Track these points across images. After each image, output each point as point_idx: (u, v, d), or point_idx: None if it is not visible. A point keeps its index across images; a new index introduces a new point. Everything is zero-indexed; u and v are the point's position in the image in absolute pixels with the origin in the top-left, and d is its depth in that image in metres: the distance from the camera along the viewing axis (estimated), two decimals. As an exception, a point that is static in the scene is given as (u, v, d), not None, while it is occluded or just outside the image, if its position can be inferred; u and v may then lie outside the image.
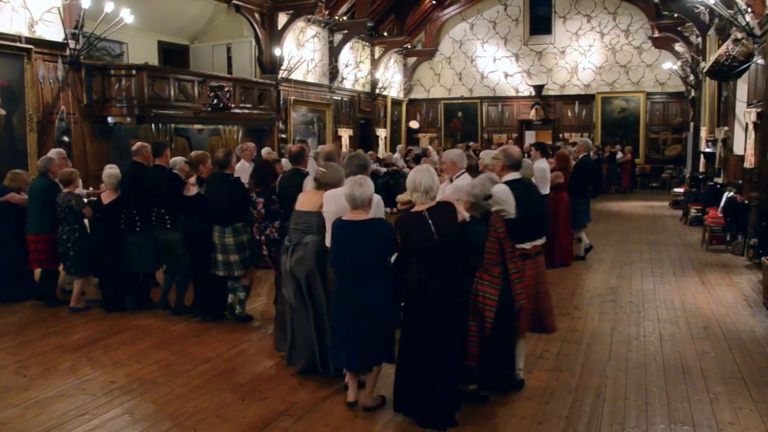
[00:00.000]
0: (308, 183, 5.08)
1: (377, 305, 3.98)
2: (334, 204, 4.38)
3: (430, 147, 16.99)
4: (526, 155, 13.81)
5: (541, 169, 8.13)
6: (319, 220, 4.58)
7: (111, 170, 6.89)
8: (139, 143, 7.20)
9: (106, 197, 6.68)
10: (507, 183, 4.44)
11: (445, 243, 3.83)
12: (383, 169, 14.48)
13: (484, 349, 4.07)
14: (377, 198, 4.20)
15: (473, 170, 5.69)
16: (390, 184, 14.29)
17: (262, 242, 6.05)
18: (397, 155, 15.71)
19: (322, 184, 4.67)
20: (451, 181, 5.15)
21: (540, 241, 4.69)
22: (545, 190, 8.06)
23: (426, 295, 3.84)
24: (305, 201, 4.77)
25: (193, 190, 6.34)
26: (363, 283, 3.97)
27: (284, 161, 10.32)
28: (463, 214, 4.20)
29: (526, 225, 4.38)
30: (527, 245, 4.52)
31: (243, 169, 8.67)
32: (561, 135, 20.54)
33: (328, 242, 4.38)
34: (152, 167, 6.72)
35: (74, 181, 6.73)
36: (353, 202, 3.98)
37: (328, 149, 5.89)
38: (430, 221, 3.82)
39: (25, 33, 8.78)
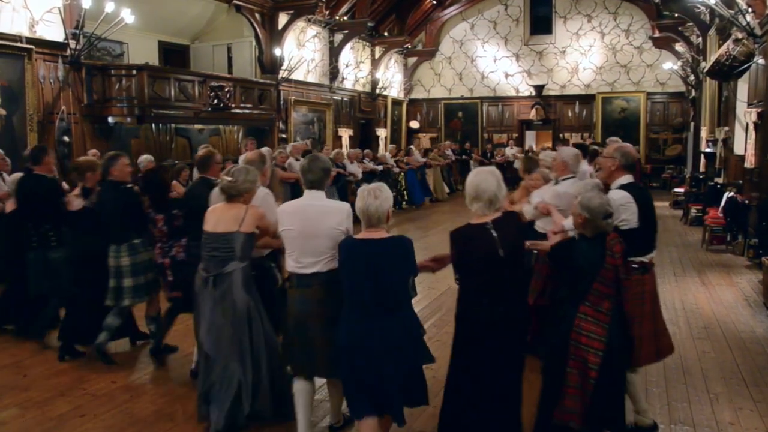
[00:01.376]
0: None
1: (406, 341, 3.32)
2: (290, 218, 3.61)
3: (412, 146, 16.99)
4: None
5: (584, 172, 7.50)
6: (244, 241, 3.84)
7: (15, 176, 6.20)
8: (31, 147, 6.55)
9: (10, 206, 5.94)
10: (624, 188, 3.80)
11: (511, 261, 3.21)
12: (380, 167, 14.52)
13: (589, 404, 3.28)
14: (347, 207, 3.60)
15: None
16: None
17: (165, 265, 5.05)
18: (388, 154, 15.69)
19: (233, 196, 3.91)
20: (557, 182, 4.64)
21: (654, 252, 3.96)
22: None
23: (488, 320, 3.21)
24: (218, 219, 3.89)
25: (76, 204, 5.29)
26: (385, 316, 3.26)
27: (291, 161, 10.48)
28: (560, 225, 3.74)
29: (649, 234, 3.81)
30: (647, 258, 3.83)
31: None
32: (561, 135, 20.55)
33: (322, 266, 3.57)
34: (31, 176, 5.72)
35: None
36: (368, 218, 3.27)
37: (251, 157, 4.69)
38: (495, 235, 3.18)
39: (26, 33, 8.79)
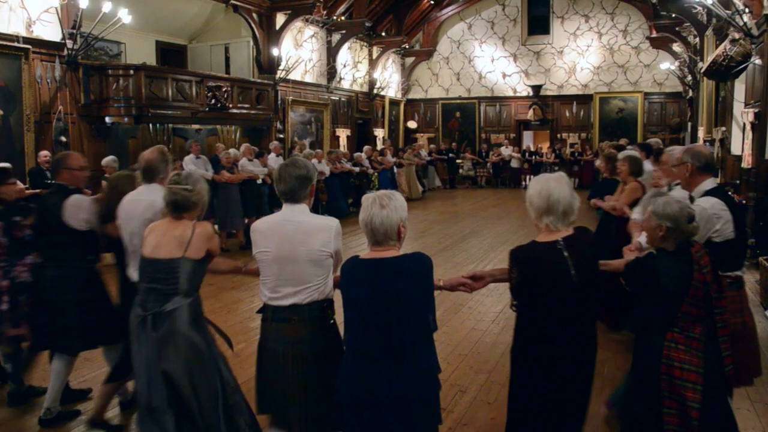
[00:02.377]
0: (146, 209, 3.55)
1: (426, 390, 2.60)
2: (265, 239, 2.94)
3: (384, 146, 17.02)
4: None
5: (650, 172, 6.73)
6: (192, 269, 3.12)
7: None
8: None
9: None
10: (711, 193, 3.28)
11: (585, 286, 2.67)
12: (356, 169, 14.49)
13: None
14: (336, 224, 2.96)
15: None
16: (355, 183, 14.50)
17: (1, 289, 4.11)
18: (363, 155, 15.66)
19: (183, 209, 3.16)
20: (670, 188, 4.10)
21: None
22: None
23: (558, 357, 2.68)
24: (159, 240, 3.13)
25: None
26: (401, 360, 2.53)
27: (244, 161, 10.46)
28: (638, 243, 3.27)
29: (744, 245, 3.38)
30: (741, 271, 3.38)
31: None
32: (559, 135, 20.61)
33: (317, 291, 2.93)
34: None
35: None
36: (372, 233, 2.58)
37: (148, 156, 3.77)
38: (567, 256, 2.65)
39: (23, 33, 8.77)
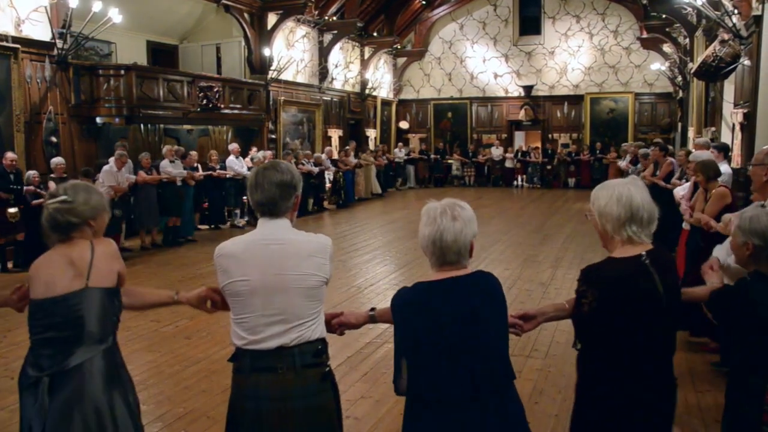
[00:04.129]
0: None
1: None
2: (241, 264, 2.26)
3: (348, 147, 17.08)
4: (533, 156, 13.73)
5: (728, 174, 6.14)
6: (101, 302, 2.35)
7: None
8: None
9: None
10: None
11: (672, 310, 2.21)
12: (316, 169, 14.47)
13: None
14: (330, 242, 2.37)
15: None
16: (314, 183, 14.48)
17: None
18: (324, 156, 15.61)
19: (70, 226, 2.37)
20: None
21: None
22: None
23: (646, 393, 2.18)
24: (51, 273, 2.33)
25: None
26: (490, 407, 2.01)
27: (165, 163, 10.28)
28: (717, 259, 2.84)
29: None
30: None
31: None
32: (550, 136, 20.68)
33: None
34: None
35: None
36: (443, 253, 2.07)
37: None
38: (654, 273, 2.15)
39: (12, 32, 8.73)
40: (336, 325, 2.54)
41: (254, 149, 13.11)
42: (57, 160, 8.69)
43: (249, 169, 11.69)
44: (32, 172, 8.47)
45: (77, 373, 2.27)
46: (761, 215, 2.38)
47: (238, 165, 12.05)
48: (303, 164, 13.90)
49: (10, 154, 8.37)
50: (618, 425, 2.18)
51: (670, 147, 11.35)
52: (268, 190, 2.26)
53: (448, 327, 2.00)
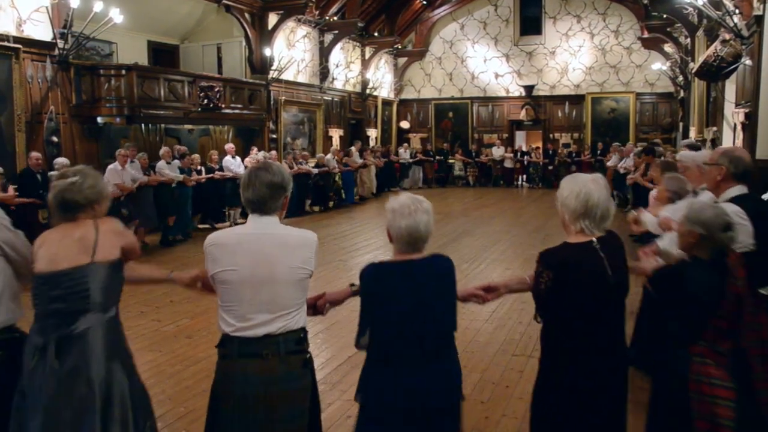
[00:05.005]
0: None
1: (451, 399, 2.53)
2: (230, 255, 2.44)
3: (353, 148, 17.10)
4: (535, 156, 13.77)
5: None
6: (105, 276, 2.51)
7: None
8: None
9: None
10: (735, 200, 3.09)
11: (620, 290, 2.55)
12: (315, 170, 14.51)
13: None
14: (315, 237, 2.59)
15: None
16: (320, 184, 14.55)
17: None
18: (329, 156, 15.68)
19: (76, 207, 2.54)
20: (696, 193, 3.87)
21: None
22: None
23: (594, 367, 2.49)
24: (56, 250, 2.49)
25: None
26: (430, 362, 2.44)
27: (162, 164, 10.29)
28: (656, 246, 3.15)
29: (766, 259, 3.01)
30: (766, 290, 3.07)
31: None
32: (551, 135, 20.67)
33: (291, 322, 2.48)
34: None
35: None
36: (415, 241, 2.44)
37: None
38: (603, 256, 2.48)
39: (13, 32, 8.73)
40: (321, 305, 2.75)
41: (254, 149, 13.10)
42: (61, 161, 8.70)
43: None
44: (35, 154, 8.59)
45: (82, 339, 2.42)
46: (707, 208, 2.69)
47: (234, 165, 12.06)
48: (301, 164, 13.92)
49: (35, 154, 8.61)
50: (575, 391, 2.47)
51: (659, 148, 11.31)
52: (259, 190, 2.45)
53: (404, 299, 2.40)
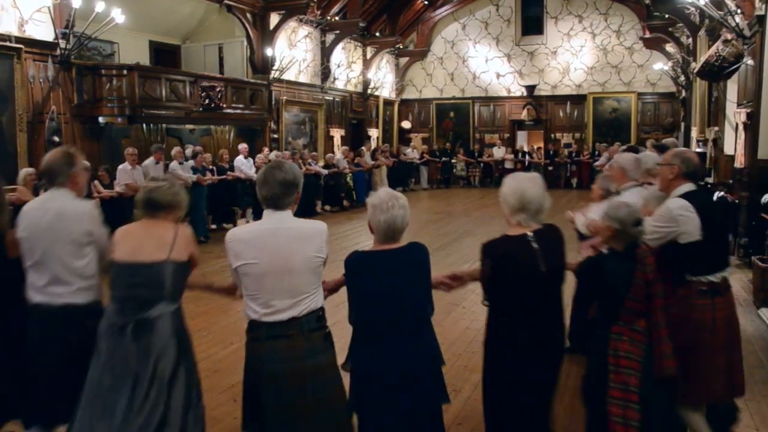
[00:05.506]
0: (55, 219, 3.04)
1: (429, 366, 2.83)
2: (250, 249, 2.72)
3: (363, 147, 17.09)
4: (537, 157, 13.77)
5: None
6: (176, 272, 2.87)
7: None
8: None
9: None
10: (685, 197, 3.34)
11: (552, 277, 2.89)
12: (325, 171, 14.53)
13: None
14: (326, 228, 2.89)
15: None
16: (330, 184, 14.60)
17: None
18: (339, 156, 15.72)
19: (160, 206, 2.91)
20: (618, 193, 4.12)
21: (728, 272, 3.40)
22: None
23: (526, 344, 2.85)
24: (138, 243, 2.85)
25: None
26: (409, 339, 2.75)
27: (175, 164, 10.37)
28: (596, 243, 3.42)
29: (714, 249, 3.29)
30: (715, 277, 3.30)
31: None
32: (553, 135, 20.65)
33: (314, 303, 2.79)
34: None
35: None
36: (392, 232, 2.74)
37: (49, 157, 3.20)
38: (536, 248, 2.83)
39: (15, 32, 8.73)
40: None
41: (266, 149, 13.20)
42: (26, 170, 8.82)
43: (257, 170, 11.68)
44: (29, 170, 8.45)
45: (155, 322, 2.79)
46: (622, 207, 3.06)
47: (246, 166, 12.09)
48: (310, 165, 13.92)
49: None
50: (515, 365, 2.84)
51: (642, 147, 11.17)
52: (274, 187, 2.71)
53: (383, 283, 2.71)
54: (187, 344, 2.96)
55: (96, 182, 8.78)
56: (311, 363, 2.73)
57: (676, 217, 3.23)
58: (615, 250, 3.09)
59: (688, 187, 3.41)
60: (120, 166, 9.67)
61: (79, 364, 2.87)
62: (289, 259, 2.69)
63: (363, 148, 17.19)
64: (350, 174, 15.73)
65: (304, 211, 12.15)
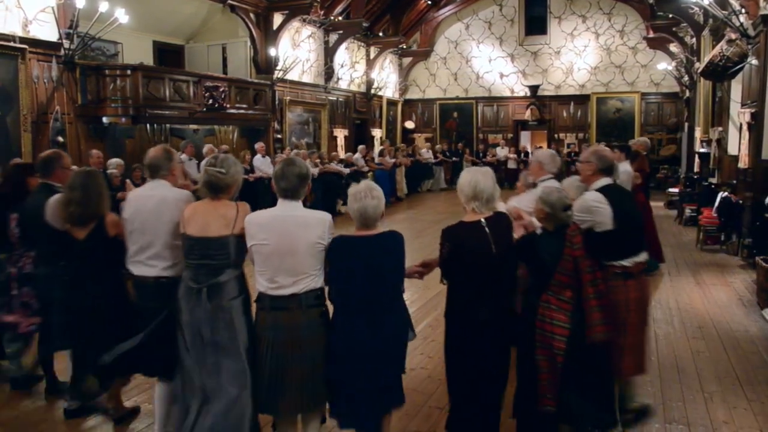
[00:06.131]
0: (158, 203, 3.56)
1: (399, 342, 3.27)
2: (262, 231, 3.18)
3: (383, 147, 17.11)
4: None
5: (627, 172, 7.26)
6: (238, 244, 3.30)
7: None
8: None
9: None
10: (601, 191, 3.75)
11: (502, 258, 3.30)
12: (347, 170, 14.54)
13: (562, 389, 3.35)
14: (329, 218, 3.27)
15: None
16: (350, 184, 14.47)
17: (11, 275, 4.34)
18: (357, 155, 15.78)
19: (220, 190, 3.36)
20: (536, 185, 4.47)
21: (642, 257, 3.82)
22: None
23: (480, 318, 3.27)
24: (205, 220, 3.31)
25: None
26: (382, 317, 3.15)
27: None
28: (534, 225, 3.73)
29: (626, 237, 3.70)
30: (628, 262, 3.72)
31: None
32: (556, 135, 20.62)
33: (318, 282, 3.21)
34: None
35: None
36: (365, 219, 3.15)
37: (152, 153, 3.76)
38: (488, 233, 3.26)
39: (19, 33, 8.75)
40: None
41: (288, 149, 13.63)
42: (115, 161, 9.21)
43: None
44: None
45: (223, 286, 3.28)
46: (553, 192, 3.46)
47: (265, 165, 12.20)
48: (330, 164, 14.01)
49: (96, 152, 9.05)
50: (469, 337, 3.28)
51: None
52: (292, 180, 3.19)
53: (359, 264, 3.11)
54: (248, 303, 3.37)
55: (128, 181, 8.77)
56: (306, 334, 3.17)
57: (590, 208, 3.63)
58: (546, 230, 3.48)
59: (605, 181, 3.84)
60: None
61: (170, 326, 3.40)
62: (293, 243, 3.11)
63: (383, 147, 17.22)
64: (371, 173, 15.67)
65: (326, 210, 12.18)
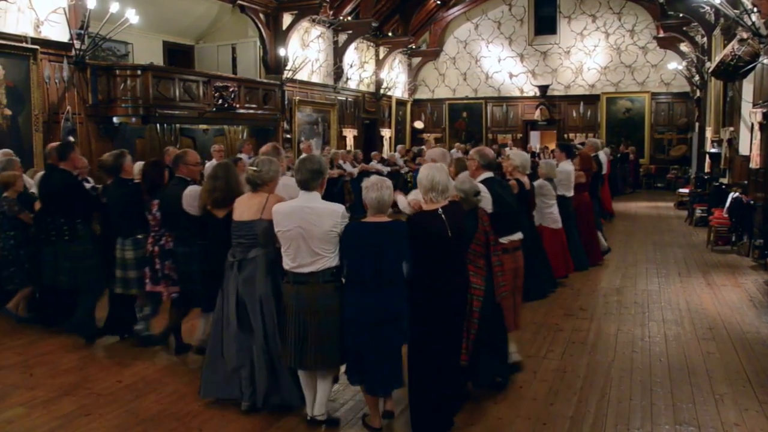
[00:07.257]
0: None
1: (396, 313, 3.77)
2: (286, 219, 3.83)
3: (424, 147, 17.13)
4: (543, 156, 13.65)
5: (566, 171, 7.92)
6: (265, 228, 4.01)
7: (38, 175, 6.39)
8: (49, 145, 6.73)
9: (38, 204, 6.07)
10: (483, 182, 4.62)
11: (456, 240, 3.85)
12: (387, 169, 14.56)
13: (476, 344, 4.08)
14: (342, 210, 3.88)
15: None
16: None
17: (154, 254, 5.27)
18: (397, 155, 15.96)
19: (257, 185, 4.15)
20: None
21: (516, 236, 4.87)
22: (569, 192, 7.91)
23: (436, 288, 3.81)
24: (243, 208, 4.16)
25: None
26: (389, 290, 3.73)
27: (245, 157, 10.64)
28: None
29: (502, 220, 4.60)
30: (504, 240, 4.71)
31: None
32: (566, 135, 20.52)
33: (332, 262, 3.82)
34: (55, 171, 5.83)
35: (14, 184, 6.15)
36: (380, 207, 3.74)
37: (266, 150, 4.95)
38: (444, 219, 3.79)
39: (31, 33, 8.81)
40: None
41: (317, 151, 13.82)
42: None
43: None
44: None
45: (253, 262, 4.10)
46: (466, 181, 4.28)
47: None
48: (367, 164, 14.39)
49: (217, 146, 9.96)
50: (430, 309, 3.80)
51: (579, 146, 10.77)
52: (305, 174, 3.83)
53: (369, 245, 3.71)
54: (277, 278, 4.08)
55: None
56: (322, 304, 3.81)
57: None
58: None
59: (486, 174, 4.79)
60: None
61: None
62: (309, 230, 3.74)
63: (423, 147, 17.31)
64: (411, 173, 15.64)
65: (359, 210, 12.22)
